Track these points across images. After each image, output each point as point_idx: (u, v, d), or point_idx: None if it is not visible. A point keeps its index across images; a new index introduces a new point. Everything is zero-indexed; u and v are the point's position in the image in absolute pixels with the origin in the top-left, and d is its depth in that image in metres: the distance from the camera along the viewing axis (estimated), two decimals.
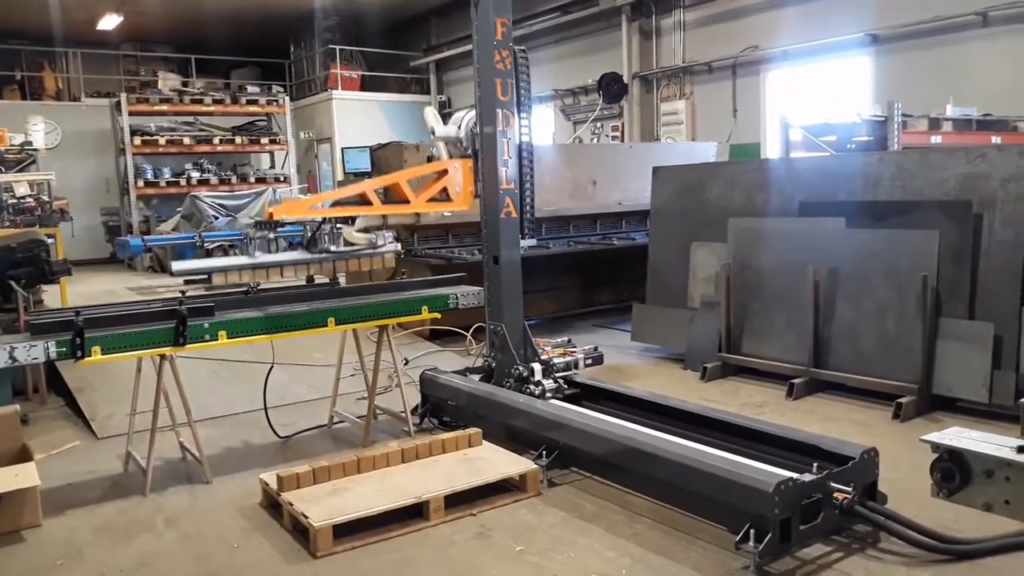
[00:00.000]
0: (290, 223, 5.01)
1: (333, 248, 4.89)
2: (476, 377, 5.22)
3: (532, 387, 4.89)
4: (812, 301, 5.76)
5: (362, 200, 4.76)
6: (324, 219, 4.90)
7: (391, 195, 4.98)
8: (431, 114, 5.39)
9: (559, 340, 5.49)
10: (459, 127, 5.13)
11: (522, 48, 5.00)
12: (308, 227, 5.01)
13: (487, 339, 5.23)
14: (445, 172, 5.06)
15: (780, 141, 8.63)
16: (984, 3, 9.54)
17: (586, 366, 5.21)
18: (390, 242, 5.11)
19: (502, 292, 5.04)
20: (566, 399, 4.92)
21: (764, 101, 12.49)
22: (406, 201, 4.94)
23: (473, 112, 5.09)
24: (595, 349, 5.30)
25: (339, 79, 18.69)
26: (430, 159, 5.24)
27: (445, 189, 5.05)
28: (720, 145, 11.86)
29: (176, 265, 4.31)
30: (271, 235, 4.68)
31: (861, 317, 5.62)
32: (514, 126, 5.00)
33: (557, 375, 5.04)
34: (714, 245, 6.70)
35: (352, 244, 5.04)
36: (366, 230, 5.04)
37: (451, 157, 5.14)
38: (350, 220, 4.90)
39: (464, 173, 5.10)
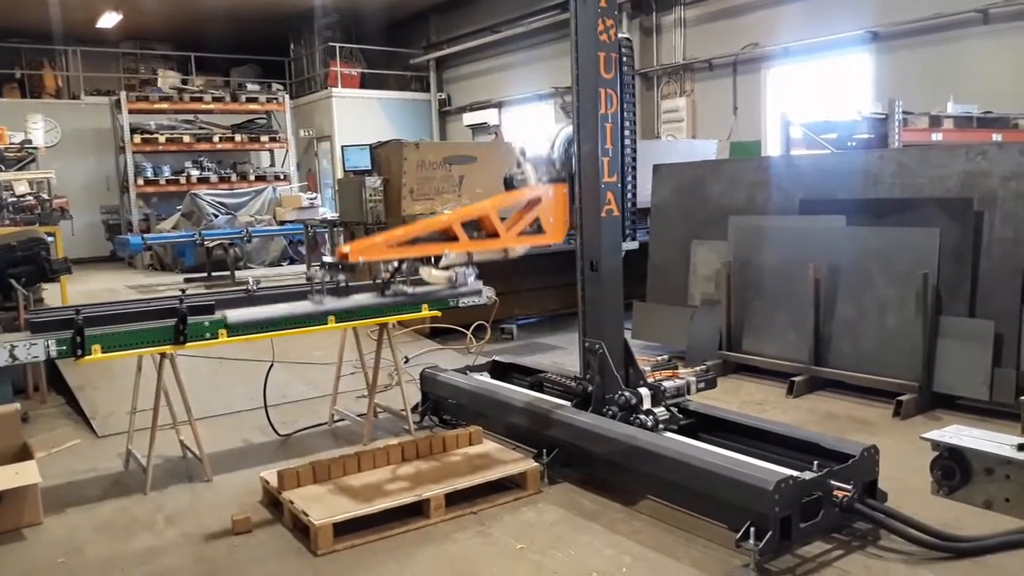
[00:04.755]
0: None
1: (409, 290, 4.18)
2: (568, 404, 4.51)
3: (643, 417, 4.16)
4: (813, 299, 5.76)
5: (446, 235, 4.10)
6: (402, 260, 4.18)
7: (477, 228, 4.26)
8: (515, 135, 4.71)
9: (660, 358, 4.80)
10: (552, 146, 4.47)
11: (627, 37, 4.38)
12: (384, 269, 4.07)
13: (581, 358, 4.51)
14: (538, 200, 4.38)
15: (781, 139, 8.63)
16: (985, 0, 9.53)
17: (698, 390, 4.51)
18: (473, 281, 4.34)
19: (602, 304, 4.34)
20: (680, 431, 4.24)
21: (765, 98, 12.48)
22: (495, 235, 4.24)
23: (568, 128, 4.41)
24: (707, 371, 4.59)
25: (339, 77, 18.67)
26: (508, 181, 4.50)
27: (537, 219, 4.38)
28: (721, 143, 11.84)
29: (232, 315, 3.84)
30: (343, 280, 3.93)
31: (862, 315, 5.62)
32: (617, 110, 4.28)
33: (668, 402, 4.32)
34: (715, 243, 6.70)
35: (429, 283, 4.33)
36: (446, 267, 4.28)
37: (541, 182, 4.47)
38: (432, 259, 4.17)
39: (558, 200, 4.41)
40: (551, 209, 4.40)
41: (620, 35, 4.27)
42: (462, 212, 4.20)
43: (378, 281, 4.18)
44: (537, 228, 4.40)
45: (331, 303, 3.92)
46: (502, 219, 4.25)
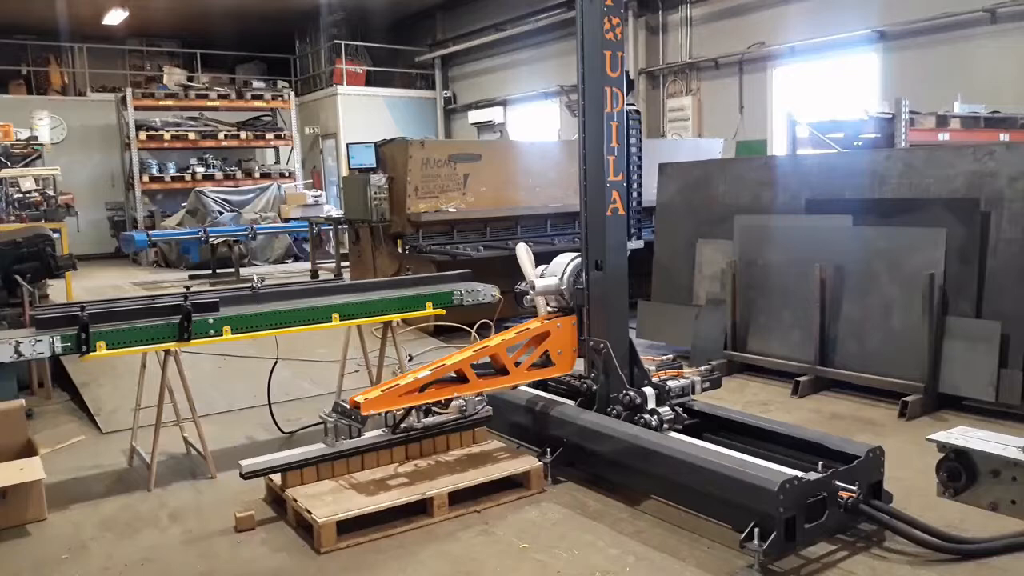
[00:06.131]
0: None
1: (418, 425, 4.25)
2: (572, 403, 4.51)
3: (647, 416, 4.11)
4: (818, 299, 5.74)
5: (458, 377, 4.23)
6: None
7: (487, 365, 4.40)
8: (524, 253, 4.69)
9: (664, 358, 4.73)
10: (560, 278, 4.48)
11: (636, 109, 4.44)
12: (395, 411, 4.16)
13: (586, 358, 4.49)
14: (547, 334, 4.44)
15: (787, 138, 8.62)
16: (992, 0, 9.49)
17: (703, 390, 4.48)
18: (483, 408, 4.45)
19: (607, 303, 4.32)
20: (685, 431, 4.19)
21: (771, 98, 12.45)
22: (505, 372, 4.36)
23: (577, 260, 4.45)
24: (712, 371, 4.58)
25: (344, 74, 18.67)
26: (518, 294, 4.56)
27: (546, 352, 4.45)
28: (726, 142, 11.83)
29: (246, 464, 3.96)
30: (356, 426, 4.01)
31: (867, 315, 5.60)
32: (623, 107, 4.25)
33: (673, 402, 4.28)
34: (720, 242, 6.68)
35: (439, 413, 4.43)
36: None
37: (550, 311, 4.56)
38: (443, 402, 4.31)
39: (567, 332, 4.45)
40: (560, 341, 4.46)
41: (629, 106, 4.33)
42: (472, 355, 4.27)
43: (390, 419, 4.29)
44: (546, 360, 4.47)
45: (345, 443, 4.02)
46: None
